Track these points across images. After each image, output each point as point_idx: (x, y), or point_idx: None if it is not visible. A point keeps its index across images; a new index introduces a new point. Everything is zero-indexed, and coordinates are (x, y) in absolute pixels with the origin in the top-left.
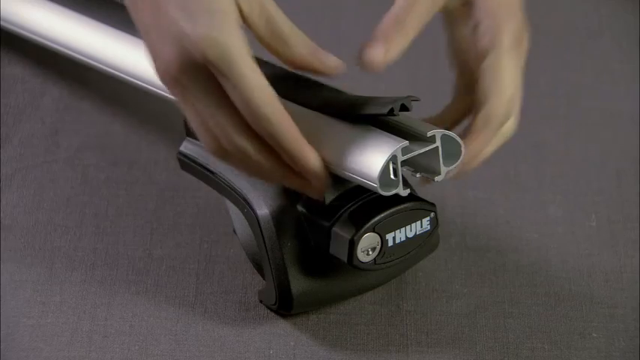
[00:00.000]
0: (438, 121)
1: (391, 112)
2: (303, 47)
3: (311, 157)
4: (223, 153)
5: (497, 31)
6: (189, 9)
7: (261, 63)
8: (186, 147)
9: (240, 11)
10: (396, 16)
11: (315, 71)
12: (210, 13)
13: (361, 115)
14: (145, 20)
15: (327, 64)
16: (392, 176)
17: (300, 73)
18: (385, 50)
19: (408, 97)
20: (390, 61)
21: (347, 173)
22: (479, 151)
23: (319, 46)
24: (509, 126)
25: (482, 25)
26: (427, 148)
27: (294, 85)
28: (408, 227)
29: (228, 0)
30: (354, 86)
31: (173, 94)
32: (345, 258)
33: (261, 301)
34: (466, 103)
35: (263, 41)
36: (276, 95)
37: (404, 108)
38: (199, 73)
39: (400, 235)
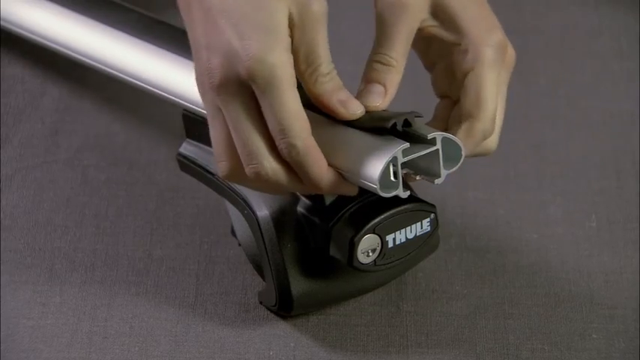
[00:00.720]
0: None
1: (394, 127)
2: (330, 86)
3: (331, 182)
4: (237, 175)
5: (479, 46)
6: (243, 26)
7: None
8: (186, 148)
9: (291, 36)
10: (381, 57)
11: (334, 114)
12: (264, 32)
13: (363, 127)
14: (198, 30)
15: (349, 108)
16: (392, 178)
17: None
18: (384, 95)
19: (412, 112)
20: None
21: (347, 174)
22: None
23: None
24: (491, 143)
25: (462, 45)
26: (428, 151)
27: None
28: (408, 228)
29: (282, 23)
30: (354, 86)
31: (207, 105)
32: (345, 259)
33: (261, 303)
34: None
35: (297, 66)
36: (309, 126)
37: (407, 124)
38: (240, 88)
39: (400, 236)
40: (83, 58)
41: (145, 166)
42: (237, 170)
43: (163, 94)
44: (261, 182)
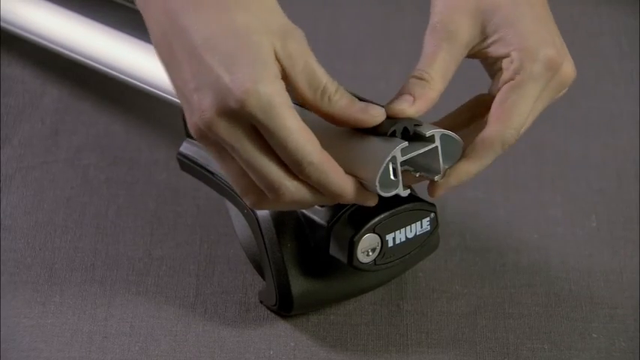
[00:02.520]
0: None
1: (393, 134)
2: (345, 101)
3: (353, 191)
4: (265, 204)
5: (525, 60)
6: (230, 59)
7: None
8: (186, 148)
9: (282, 67)
10: (419, 72)
11: (358, 124)
12: (252, 64)
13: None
14: (184, 73)
15: (371, 113)
16: (392, 177)
17: None
18: (412, 103)
19: (411, 120)
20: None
21: (347, 174)
22: (469, 172)
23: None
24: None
25: (510, 57)
26: (427, 148)
27: None
28: (408, 228)
29: (268, 53)
30: (354, 86)
31: (210, 147)
32: (345, 259)
33: (261, 302)
34: (471, 114)
35: (304, 96)
36: (317, 140)
37: (406, 131)
38: (239, 123)
39: (400, 235)
40: (83, 59)
41: (145, 166)
42: (263, 199)
43: (163, 94)
44: (289, 203)
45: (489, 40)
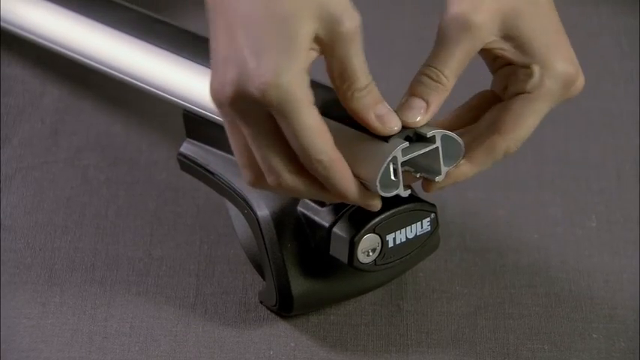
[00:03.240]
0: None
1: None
2: (366, 101)
3: (357, 193)
4: (262, 183)
5: (545, 76)
6: (260, 45)
7: None
8: (187, 148)
9: (323, 54)
10: (432, 71)
11: (372, 130)
12: (281, 53)
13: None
14: (219, 42)
15: (385, 123)
16: (392, 177)
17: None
18: (425, 111)
19: (414, 128)
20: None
21: None
22: (466, 174)
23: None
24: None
25: (530, 69)
26: (427, 149)
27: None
28: (408, 228)
29: (302, 42)
30: None
31: (224, 116)
32: (345, 259)
33: (261, 302)
34: (474, 114)
35: (334, 83)
36: (332, 139)
37: (409, 138)
38: (255, 106)
39: (400, 236)
40: (83, 58)
41: (145, 166)
42: (261, 178)
43: (164, 94)
44: (284, 191)
45: (510, 44)
